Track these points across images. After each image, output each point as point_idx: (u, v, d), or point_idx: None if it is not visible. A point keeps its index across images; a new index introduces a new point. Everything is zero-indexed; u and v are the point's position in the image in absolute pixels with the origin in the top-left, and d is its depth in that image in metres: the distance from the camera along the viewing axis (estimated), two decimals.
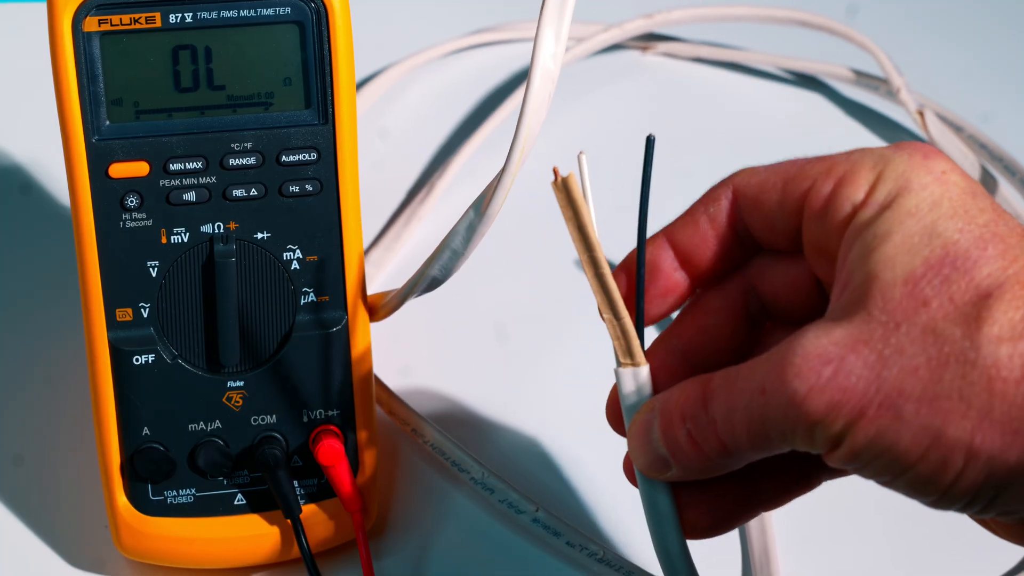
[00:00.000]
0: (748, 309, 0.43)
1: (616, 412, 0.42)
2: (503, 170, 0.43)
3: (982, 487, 0.34)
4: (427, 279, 0.48)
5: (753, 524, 0.53)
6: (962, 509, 0.36)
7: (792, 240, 0.41)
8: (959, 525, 0.54)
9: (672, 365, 0.42)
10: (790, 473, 0.42)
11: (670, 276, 0.42)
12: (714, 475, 0.40)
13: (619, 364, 0.41)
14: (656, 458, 0.40)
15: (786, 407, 0.36)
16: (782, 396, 0.36)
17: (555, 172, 0.40)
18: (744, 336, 0.43)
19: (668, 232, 0.42)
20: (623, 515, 0.54)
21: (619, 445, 0.52)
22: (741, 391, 0.37)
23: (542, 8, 0.41)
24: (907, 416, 0.34)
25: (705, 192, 0.42)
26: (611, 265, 0.41)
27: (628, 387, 0.41)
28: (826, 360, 0.35)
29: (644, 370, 0.41)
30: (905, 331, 0.35)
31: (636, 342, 0.41)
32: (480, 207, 0.45)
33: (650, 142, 0.41)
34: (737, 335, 0.43)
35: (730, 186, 0.41)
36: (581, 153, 0.41)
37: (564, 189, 0.40)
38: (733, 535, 0.54)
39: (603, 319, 0.41)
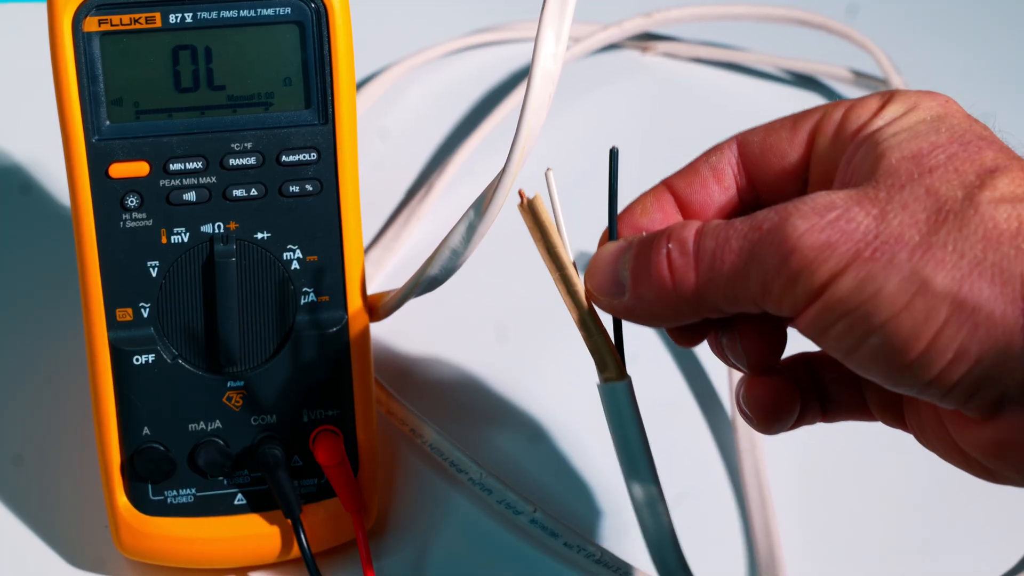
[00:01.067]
0: None
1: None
2: (503, 170, 0.43)
3: (960, 348, 0.34)
4: (427, 279, 0.48)
5: (759, 527, 0.53)
6: (927, 385, 0.35)
7: (797, 180, 0.41)
8: (960, 526, 0.54)
9: None
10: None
11: (672, 217, 0.42)
12: (658, 319, 0.39)
13: (600, 380, 0.41)
14: (612, 280, 0.39)
15: (780, 243, 0.35)
16: (779, 232, 0.35)
17: (521, 195, 0.40)
18: None
19: (668, 180, 0.42)
20: (621, 516, 0.54)
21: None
22: (738, 227, 0.37)
23: (543, 8, 0.41)
24: (899, 261, 0.34)
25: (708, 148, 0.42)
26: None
27: (608, 403, 0.41)
28: (831, 207, 0.35)
29: (623, 385, 0.41)
30: (909, 191, 0.35)
31: (614, 357, 0.41)
32: (480, 207, 0.45)
33: (613, 154, 0.41)
34: None
35: (734, 140, 0.42)
36: (549, 170, 0.41)
37: (530, 211, 0.40)
38: (738, 538, 0.54)
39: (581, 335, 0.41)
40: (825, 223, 0.35)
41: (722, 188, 0.42)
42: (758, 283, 0.36)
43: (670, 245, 0.38)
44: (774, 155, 0.41)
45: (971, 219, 0.34)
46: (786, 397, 0.42)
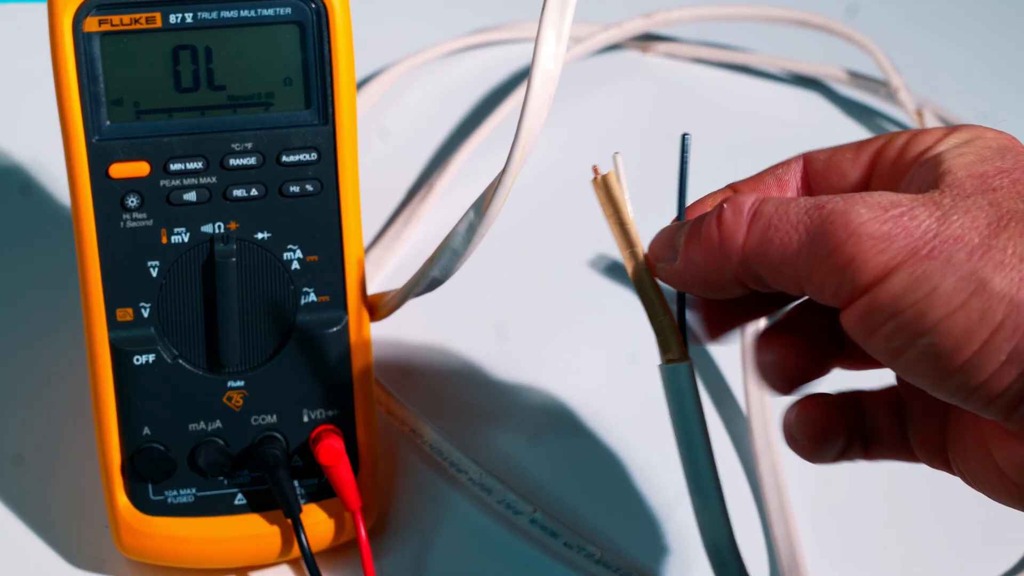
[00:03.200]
0: None
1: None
2: (503, 171, 0.43)
3: (1013, 351, 0.33)
4: (427, 279, 0.48)
5: (778, 529, 0.53)
6: (972, 392, 0.34)
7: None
8: (965, 526, 0.55)
9: None
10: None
11: None
12: (703, 284, 0.39)
13: (663, 361, 0.41)
14: (667, 247, 0.40)
15: (841, 225, 0.35)
16: (842, 216, 0.36)
17: (595, 170, 0.40)
18: None
19: (734, 184, 0.43)
20: (621, 516, 0.54)
21: (616, 445, 0.53)
22: (800, 203, 0.37)
23: (543, 9, 0.41)
24: (957, 261, 0.34)
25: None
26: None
27: (670, 384, 0.41)
28: (897, 204, 0.36)
29: (685, 366, 0.41)
30: (973, 200, 0.35)
31: (676, 337, 0.41)
32: (480, 208, 0.45)
33: (685, 140, 0.41)
34: None
35: (801, 156, 0.42)
36: (617, 153, 0.41)
37: (604, 186, 0.40)
38: (758, 540, 0.54)
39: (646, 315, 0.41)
40: (888, 216, 0.35)
41: (780, 192, 0.42)
42: (807, 261, 0.36)
43: (725, 206, 0.39)
44: (836, 174, 0.41)
45: None
46: (835, 422, 0.42)
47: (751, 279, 0.38)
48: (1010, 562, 0.53)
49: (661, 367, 0.41)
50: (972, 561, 0.54)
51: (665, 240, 0.40)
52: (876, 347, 0.36)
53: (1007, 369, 0.34)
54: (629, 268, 0.41)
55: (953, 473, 0.41)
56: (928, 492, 0.55)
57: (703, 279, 0.39)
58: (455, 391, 0.59)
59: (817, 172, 0.42)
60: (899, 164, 0.40)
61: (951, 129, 0.40)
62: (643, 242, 0.41)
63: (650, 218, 0.44)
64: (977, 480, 0.39)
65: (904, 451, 0.42)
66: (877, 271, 0.35)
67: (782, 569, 0.52)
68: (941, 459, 0.41)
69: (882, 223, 0.35)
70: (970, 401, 0.35)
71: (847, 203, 0.36)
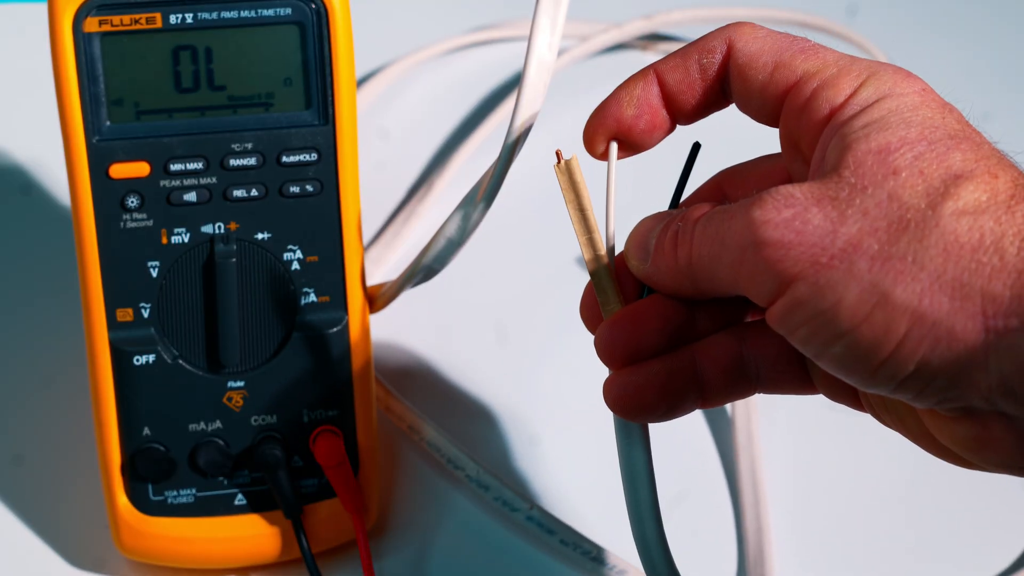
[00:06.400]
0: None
1: (590, 309, 0.42)
2: (498, 160, 0.43)
3: (922, 361, 0.34)
4: (423, 268, 0.48)
5: (750, 523, 0.53)
6: (895, 390, 0.35)
7: (764, 118, 0.41)
8: (955, 526, 0.54)
9: None
10: (728, 366, 0.41)
11: (657, 112, 0.42)
12: (669, 290, 0.40)
13: None
14: (641, 247, 0.40)
15: (742, 233, 0.36)
16: (741, 221, 0.36)
17: (558, 155, 0.41)
18: None
19: (659, 71, 0.42)
20: (617, 514, 0.54)
21: (613, 444, 0.52)
22: (718, 214, 0.37)
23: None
24: (858, 272, 0.34)
25: (701, 38, 0.42)
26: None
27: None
28: (789, 203, 0.35)
29: None
30: (871, 194, 0.35)
31: None
32: (475, 197, 0.45)
33: (695, 148, 0.41)
34: None
35: (727, 42, 0.41)
36: (612, 142, 0.41)
37: (567, 172, 0.41)
38: (729, 534, 0.54)
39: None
40: (781, 220, 0.35)
41: (707, 92, 0.42)
42: (727, 268, 0.37)
43: (679, 223, 0.39)
44: (748, 91, 0.41)
45: (932, 231, 0.34)
46: (657, 392, 0.41)
47: (706, 288, 0.39)
48: (1001, 566, 0.53)
49: None
50: (962, 566, 0.53)
51: (639, 240, 0.41)
52: (797, 347, 0.36)
53: (919, 374, 0.34)
54: (586, 255, 0.41)
55: (861, 411, 0.41)
56: (922, 495, 0.55)
57: (667, 286, 0.40)
58: (455, 390, 0.59)
59: (732, 76, 0.41)
60: (805, 123, 0.39)
61: (864, 77, 0.38)
62: (600, 230, 0.41)
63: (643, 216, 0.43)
64: (900, 426, 0.39)
65: (802, 387, 0.42)
66: (782, 276, 0.35)
67: (748, 571, 0.52)
68: (848, 398, 0.41)
69: (775, 228, 0.35)
70: (896, 396, 0.35)
71: (746, 207, 0.36)
